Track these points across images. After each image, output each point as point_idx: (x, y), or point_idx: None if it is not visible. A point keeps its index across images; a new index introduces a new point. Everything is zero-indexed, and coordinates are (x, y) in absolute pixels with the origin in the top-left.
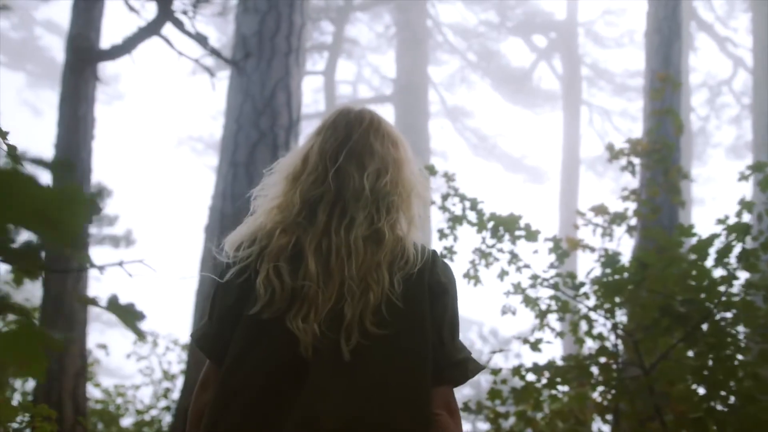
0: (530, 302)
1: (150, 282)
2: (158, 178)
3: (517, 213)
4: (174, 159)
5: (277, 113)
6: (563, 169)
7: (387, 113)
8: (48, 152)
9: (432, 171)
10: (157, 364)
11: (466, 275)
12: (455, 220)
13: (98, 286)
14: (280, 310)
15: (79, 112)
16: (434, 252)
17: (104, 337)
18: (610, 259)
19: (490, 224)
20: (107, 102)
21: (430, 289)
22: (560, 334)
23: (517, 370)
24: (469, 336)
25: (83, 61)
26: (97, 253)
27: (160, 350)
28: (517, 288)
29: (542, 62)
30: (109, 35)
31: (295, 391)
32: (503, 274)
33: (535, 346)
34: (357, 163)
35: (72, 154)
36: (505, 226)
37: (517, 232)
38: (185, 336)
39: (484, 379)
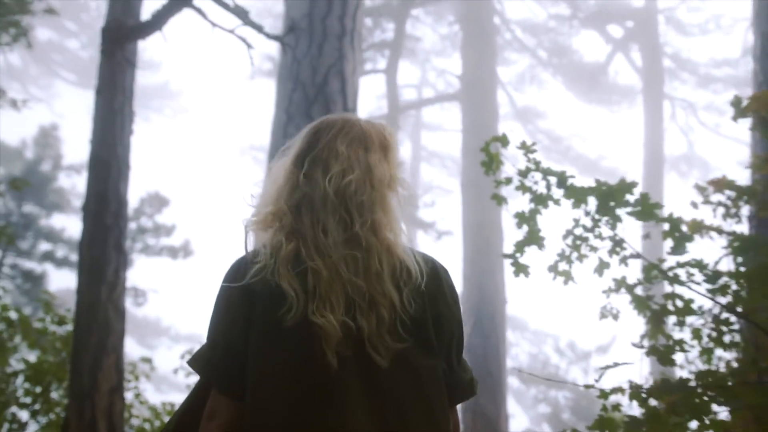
0: (640, 303)
1: (207, 293)
2: (220, 188)
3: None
4: (236, 169)
5: (331, 101)
6: (645, 169)
7: (453, 112)
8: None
9: (504, 142)
10: None
11: (553, 270)
12: (539, 201)
13: (154, 297)
14: (303, 312)
15: (115, 105)
16: (436, 264)
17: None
18: (749, 243)
19: (590, 198)
20: (172, 116)
21: (437, 313)
22: (678, 343)
23: (636, 393)
24: (543, 350)
25: (114, 41)
26: (154, 264)
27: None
28: (621, 284)
29: (618, 55)
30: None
31: (324, 408)
32: (602, 267)
33: (666, 356)
34: (322, 168)
35: (107, 150)
36: (614, 197)
37: (624, 210)
38: None
39: (561, 396)
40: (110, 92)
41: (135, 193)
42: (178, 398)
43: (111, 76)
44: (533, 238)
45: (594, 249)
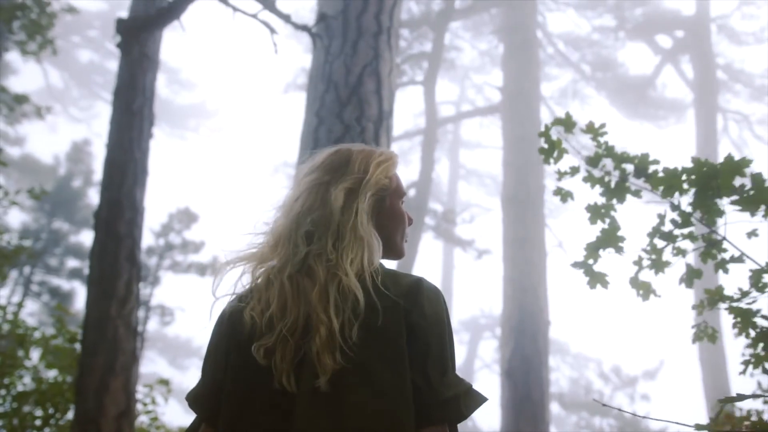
0: (745, 319)
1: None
2: (251, 206)
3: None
4: (269, 186)
5: (365, 103)
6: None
7: (492, 129)
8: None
9: (569, 124)
10: None
11: (634, 283)
12: (615, 193)
13: (184, 316)
14: (260, 340)
15: (134, 106)
16: (420, 282)
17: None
18: None
19: (687, 185)
20: (208, 135)
21: (411, 327)
22: None
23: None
24: (586, 375)
25: (130, 33)
26: (182, 281)
27: None
28: (718, 296)
29: (667, 67)
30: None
31: (285, 426)
32: (692, 276)
33: None
34: (302, 199)
35: (123, 154)
36: (718, 181)
37: (729, 199)
38: None
39: (606, 423)
40: (128, 92)
41: (164, 209)
42: None
43: (130, 75)
44: (610, 238)
45: (681, 252)
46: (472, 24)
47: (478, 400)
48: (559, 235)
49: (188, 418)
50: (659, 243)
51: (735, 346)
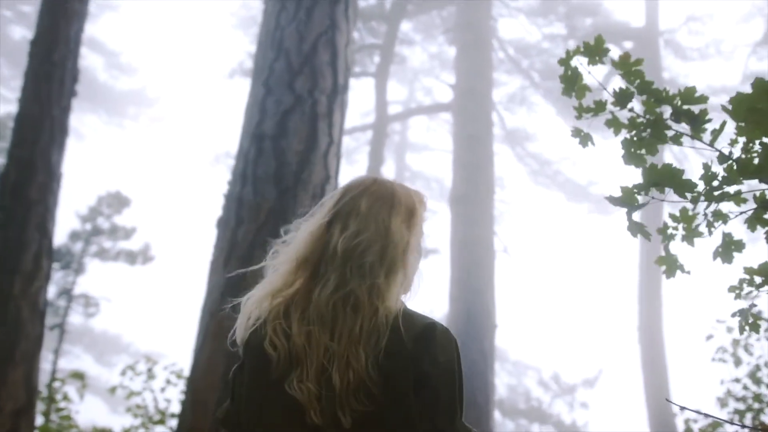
0: None
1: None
2: (189, 197)
3: None
4: (208, 177)
5: (319, 74)
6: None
7: (439, 132)
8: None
9: (600, 48)
10: (151, 401)
11: (660, 261)
12: (655, 130)
13: (111, 309)
14: (284, 374)
15: (55, 57)
16: (432, 325)
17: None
18: None
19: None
20: (148, 124)
21: (421, 375)
22: None
23: None
24: (524, 383)
25: None
26: (109, 270)
27: (158, 383)
28: (765, 274)
29: (615, 78)
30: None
31: None
32: (730, 249)
33: None
34: (342, 224)
35: (39, 108)
36: None
37: None
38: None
39: (545, 431)
40: (49, 40)
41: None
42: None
43: (51, 21)
44: (664, 177)
45: (723, 218)
46: (423, 26)
47: None
48: (504, 240)
49: (116, 419)
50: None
51: (676, 351)
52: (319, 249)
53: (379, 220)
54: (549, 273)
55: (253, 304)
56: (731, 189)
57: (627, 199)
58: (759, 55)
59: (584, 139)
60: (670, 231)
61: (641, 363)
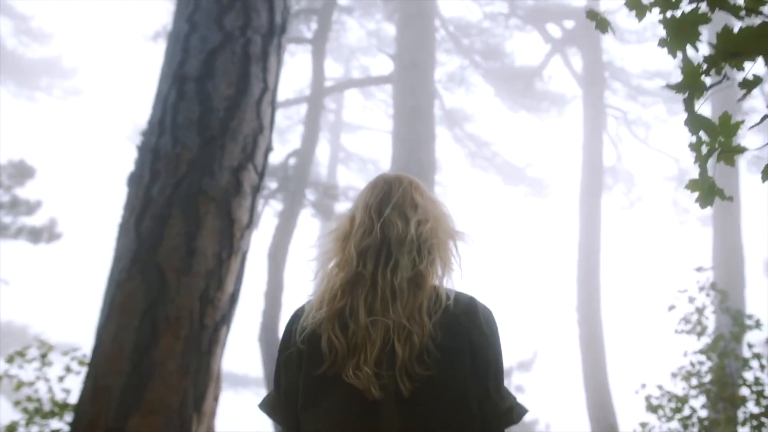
0: None
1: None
2: (109, 173)
3: None
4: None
5: (252, 10)
6: (583, 181)
7: (375, 112)
8: None
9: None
10: (45, 392)
11: (697, 188)
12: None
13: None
14: (341, 366)
15: None
16: (474, 300)
17: None
18: None
19: None
20: (62, 97)
21: (471, 341)
22: None
23: None
24: None
25: None
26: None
27: (54, 372)
28: None
29: (555, 58)
30: None
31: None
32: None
33: None
34: (400, 214)
35: None
36: None
37: None
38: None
39: None
40: None
41: None
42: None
43: None
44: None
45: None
46: (361, 3)
47: (524, 409)
48: None
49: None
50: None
51: (614, 335)
52: (369, 242)
53: (431, 210)
54: (486, 256)
55: (318, 297)
56: None
57: (691, 81)
58: None
59: (601, 23)
60: (704, 146)
61: (579, 344)
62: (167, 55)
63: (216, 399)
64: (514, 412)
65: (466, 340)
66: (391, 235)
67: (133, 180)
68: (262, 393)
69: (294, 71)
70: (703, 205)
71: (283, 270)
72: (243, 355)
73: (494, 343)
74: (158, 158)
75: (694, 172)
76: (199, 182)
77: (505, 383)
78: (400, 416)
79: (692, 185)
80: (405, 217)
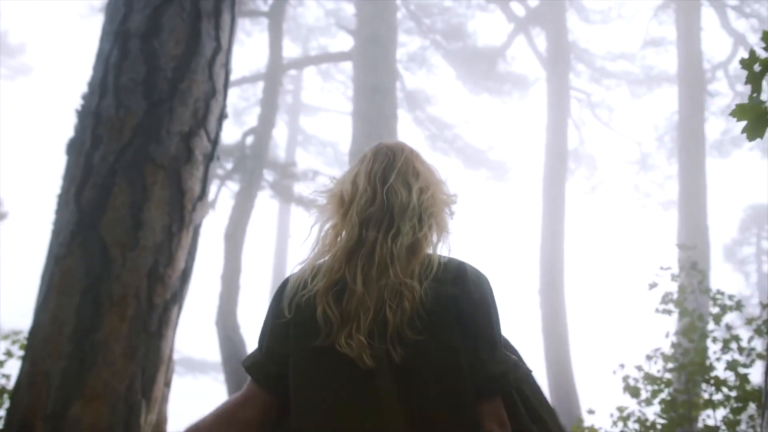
0: None
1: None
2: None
3: None
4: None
5: None
6: (547, 164)
7: (335, 94)
8: None
9: None
10: None
11: (745, 116)
12: None
13: None
14: (336, 337)
15: None
16: (464, 265)
17: None
18: None
19: None
20: (10, 77)
21: (458, 306)
22: None
23: None
24: None
25: None
26: None
27: None
28: None
29: (519, 38)
30: None
31: (358, 407)
32: None
33: None
34: (403, 182)
35: None
36: None
37: None
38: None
39: None
40: None
41: None
42: None
43: None
44: None
45: None
46: None
47: (524, 371)
48: None
49: None
50: None
51: (577, 318)
52: (384, 206)
53: (431, 178)
54: (447, 240)
55: (315, 265)
56: None
57: None
58: (660, 19)
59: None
60: (757, 65)
61: (542, 327)
62: (109, 11)
63: (168, 384)
64: (509, 376)
65: (453, 304)
66: (394, 202)
67: (73, 147)
68: (221, 378)
69: (250, 52)
70: (752, 137)
71: (240, 252)
72: (201, 340)
73: (483, 307)
74: (100, 123)
75: (657, 157)
76: (145, 149)
77: None
78: (396, 383)
79: (739, 112)
80: (408, 184)
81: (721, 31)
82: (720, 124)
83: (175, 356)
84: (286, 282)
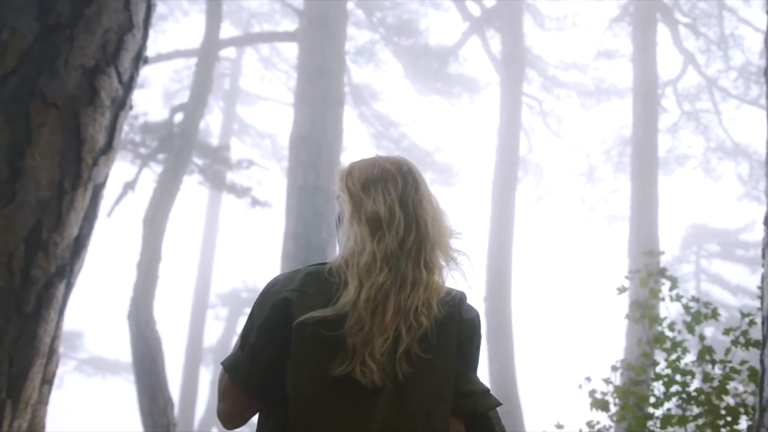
0: None
1: None
2: None
3: None
4: None
5: None
6: (497, 169)
7: (275, 83)
8: None
9: None
10: None
11: None
12: None
13: None
14: (352, 363)
15: None
16: (462, 295)
17: None
18: None
19: None
20: None
21: (460, 330)
22: None
23: None
24: None
25: None
26: None
27: None
28: None
29: (473, 39)
30: None
31: (367, 416)
32: None
33: None
34: (425, 209)
35: None
36: None
37: None
38: None
39: None
40: None
41: None
42: None
43: None
44: None
45: None
46: None
47: (492, 402)
48: None
49: None
50: None
51: (523, 327)
52: (414, 233)
53: (438, 206)
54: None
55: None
56: None
57: None
58: (614, 31)
59: None
60: None
61: (486, 335)
62: None
63: (48, 382)
64: (477, 399)
65: (456, 328)
66: (423, 229)
67: None
68: (133, 380)
69: (187, 31)
70: None
71: (161, 239)
72: (113, 338)
73: (476, 332)
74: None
75: (604, 170)
76: (33, 82)
77: None
78: (397, 397)
79: None
80: (426, 212)
81: (672, 49)
82: (667, 142)
83: (84, 355)
84: (292, 288)
